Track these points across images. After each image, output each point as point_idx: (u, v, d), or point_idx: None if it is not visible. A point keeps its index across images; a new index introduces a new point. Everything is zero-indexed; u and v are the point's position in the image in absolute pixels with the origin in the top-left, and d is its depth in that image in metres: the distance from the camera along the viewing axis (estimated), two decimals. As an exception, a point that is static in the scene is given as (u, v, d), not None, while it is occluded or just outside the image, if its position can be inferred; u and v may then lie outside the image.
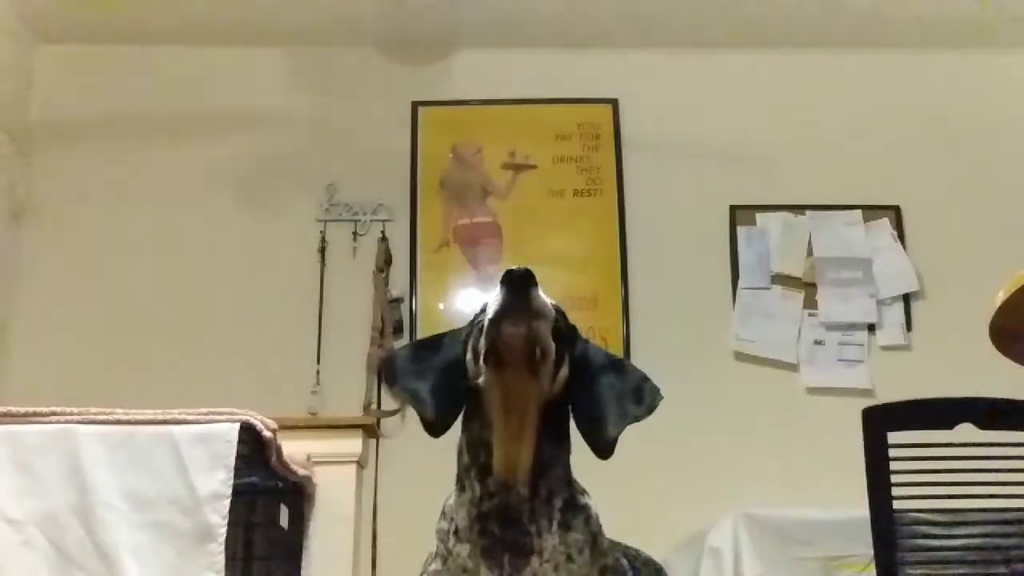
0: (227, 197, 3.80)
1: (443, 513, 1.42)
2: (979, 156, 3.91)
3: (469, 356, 1.39)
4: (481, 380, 1.34)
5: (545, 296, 1.33)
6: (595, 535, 1.39)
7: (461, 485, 1.40)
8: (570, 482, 1.41)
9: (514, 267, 1.30)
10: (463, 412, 1.41)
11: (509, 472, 1.35)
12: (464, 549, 1.36)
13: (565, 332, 1.39)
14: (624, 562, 1.49)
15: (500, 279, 1.30)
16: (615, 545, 1.49)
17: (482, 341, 1.31)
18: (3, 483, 2.15)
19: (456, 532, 1.37)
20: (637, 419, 1.41)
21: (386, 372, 1.48)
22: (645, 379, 1.45)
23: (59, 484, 2.17)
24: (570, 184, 3.85)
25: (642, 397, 1.43)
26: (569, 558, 1.34)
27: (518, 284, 1.29)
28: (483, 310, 1.35)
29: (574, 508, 1.38)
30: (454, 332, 1.49)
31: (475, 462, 1.38)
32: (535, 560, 1.33)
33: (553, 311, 1.35)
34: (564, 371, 1.38)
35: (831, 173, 3.90)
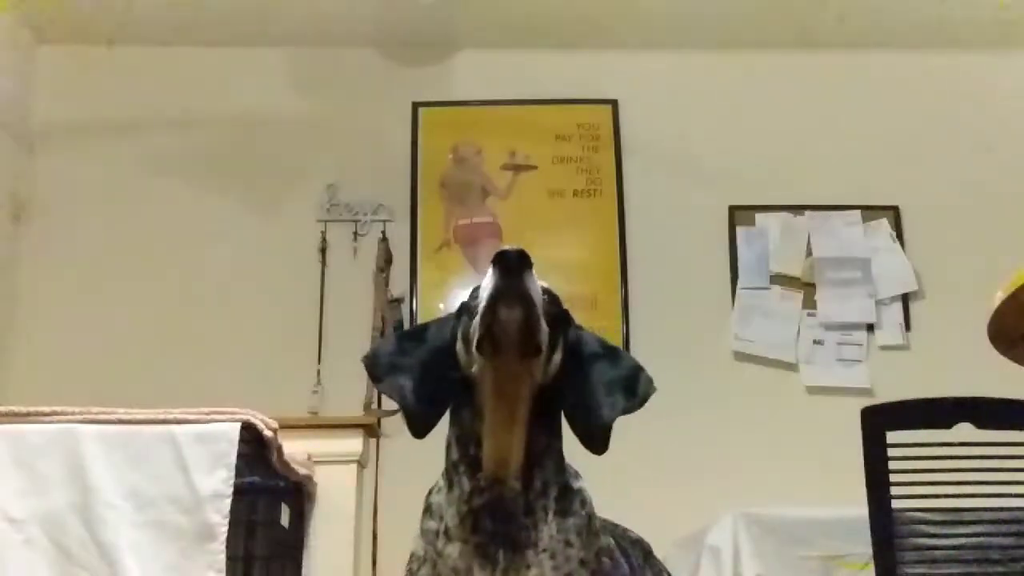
0: (227, 197, 3.80)
1: (428, 511, 1.36)
2: (978, 156, 3.92)
3: (460, 345, 1.33)
4: (474, 369, 1.29)
5: (539, 280, 1.28)
6: (590, 516, 1.36)
7: (449, 481, 1.34)
8: (563, 468, 1.37)
9: (507, 247, 1.24)
10: (452, 405, 1.36)
11: (500, 465, 1.30)
12: (455, 549, 1.30)
13: (559, 317, 1.34)
14: (612, 542, 1.46)
15: (492, 259, 1.24)
16: (603, 524, 1.45)
17: (475, 326, 1.25)
18: (4, 482, 2.16)
19: (446, 532, 1.31)
20: (628, 411, 1.38)
21: (370, 368, 1.39)
22: (639, 368, 1.43)
23: (60, 483, 2.17)
24: (570, 184, 3.86)
25: (635, 387, 1.40)
26: (568, 543, 1.30)
27: (512, 266, 1.22)
28: (474, 295, 1.29)
29: (569, 493, 1.34)
30: (441, 321, 1.43)
31: (465, 456, 1.32)
32: (530, 553, 1.28)
33: (546, 295, 1.30)
34: (557, 357, 1.33)
35: (830, 173, 3.90)
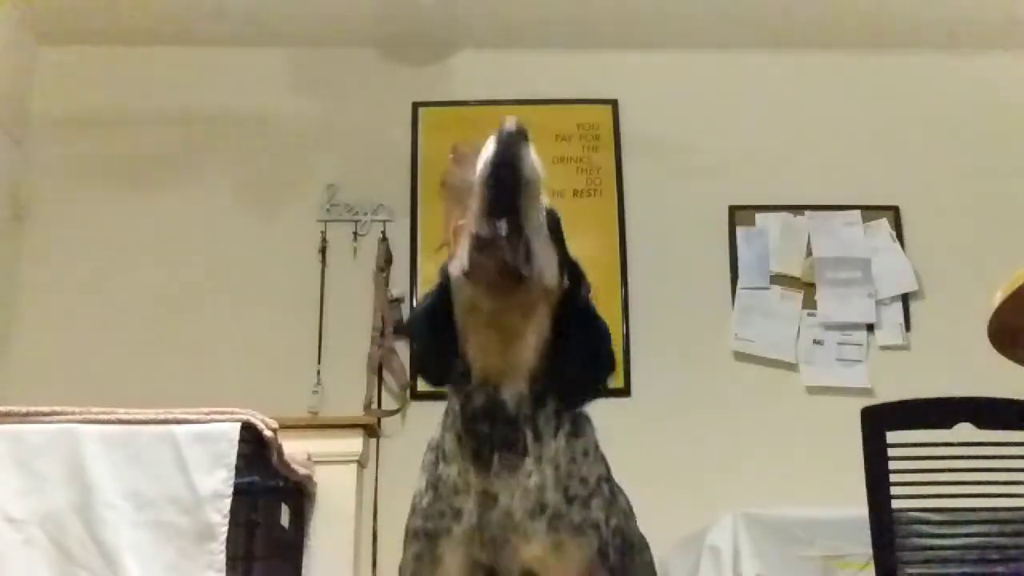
0: (228, 197, 3.80)
1: (428, 448, 1.37)
2: (978, 156, 3.92)
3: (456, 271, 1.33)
4: (464, 268, 1.28)
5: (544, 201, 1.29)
6: (596, 444, 1.36)
7: (447, 410, 1.35)
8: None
9: (507, 124, 1.28)
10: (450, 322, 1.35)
11: (493, 364, 1.29)
12: (452, 469, 1.30)
13: (562, 238, 1.35)
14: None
15: (492, 136, 1.27)
16: None
17: (475, 194, 1.26)
18: (5, 482, 2.16)
19: (444, 455, 1.32)
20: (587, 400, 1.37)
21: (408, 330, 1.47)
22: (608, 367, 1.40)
23: (60, 483, 2.17)
24: (570, 184, 3.86)
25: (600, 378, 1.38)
26: (572, 460, 1.30)
27: (509, 137, 1.27)
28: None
29: (578, 417, 1.35)
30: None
31: (460, 363, 1.33)
32: (529, 460, 1.27)
33: (548, 215, 1.31)
34: (564, 280, 1.34)
35: (830, 173, 3.90)
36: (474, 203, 1.27)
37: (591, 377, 1.37)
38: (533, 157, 1.28)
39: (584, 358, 1.35)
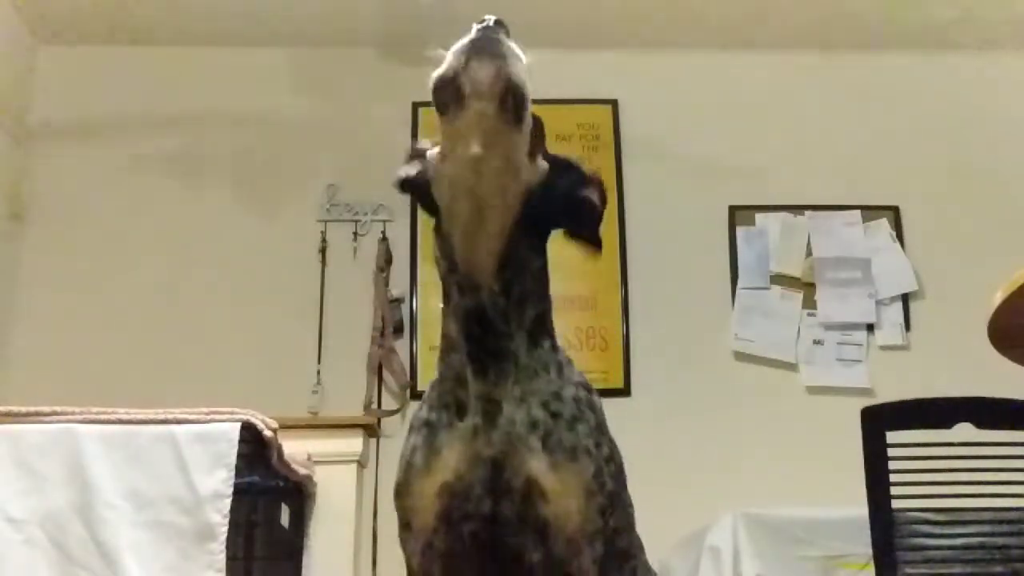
0: (227, 197, 3.80)
1: (443, 335, 1.33)
2: (978, 156, 3.92)
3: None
4: (446, 150, 1.26)
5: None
6: (569, 362, 1.31)
7: (446, 294, 1.30)
8: (546, 293, 1.32)
9: (486, 18, 1.22)
10: (436, 218, 1.31)
11: (471, 263, 1.24)
12: (456, 358, 1.27)
13: (539, 126, 1.30)
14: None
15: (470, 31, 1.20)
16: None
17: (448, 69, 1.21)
18: (5, 482, 2.16)
19: (449, 341, 1.30)
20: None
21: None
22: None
23: (60, 483, 2.17)
24: (570, 184, 3.85)
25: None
26: (535, 372, 1.26)
27: (488, 27, 1.20)
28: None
29: (546, 331, 1.30)
30: None
31: (450, 265, 1.28)
32: (510, 366, 1.24)
33: (525, 67, 1.26)
34: (543, 163, 1.29)
35: (830, 174, 3.90)
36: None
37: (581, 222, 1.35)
38: (517, 49, 1.22)
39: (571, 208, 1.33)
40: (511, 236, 1.25)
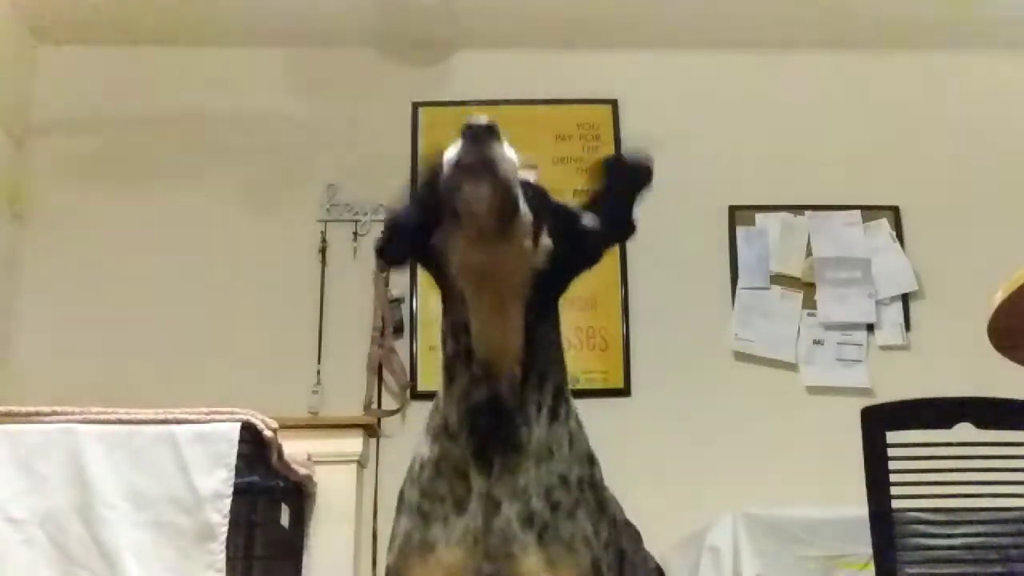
0: (227, 197, 3.80)
1: (435, 409, 1.28)
2: (978, 156, 3.92)
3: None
4: (452, 250, 1.20)
5: (527, 174, 1.20)
6: (579, 425, 1.28)
7: (449, 376, 1.25)
8: (563, 366, 1.29)
9: (474, 118, 1.13)
10: (442, 294, 1.28)
11: (493, 354, 1.21)
12: (454, 448, 1.23)
13: (537, 198, 1.24)
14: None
15: (460, 131, 1.13)
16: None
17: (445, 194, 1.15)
18: (5, 482, 2.16)
19: (446, 428, 1.24)
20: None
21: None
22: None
23: (60, 483, 2.17)
24: (570, 184, 3.83)
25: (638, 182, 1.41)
26: (558, 446, 1.23)
27: (479, 134, 1.12)
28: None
29: (561, 397, 1.26)
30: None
31: (459, 347, 1.24)
32: (522, 456, 1.21)
33: (530, 189, 1.21)
34: (546, 241, 1.23)
35: (830, 173, 3.90)
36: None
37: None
38: (509, 154, 1.15)
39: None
40: (527, 320, 1.23)
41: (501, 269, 1.19)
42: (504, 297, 1.21)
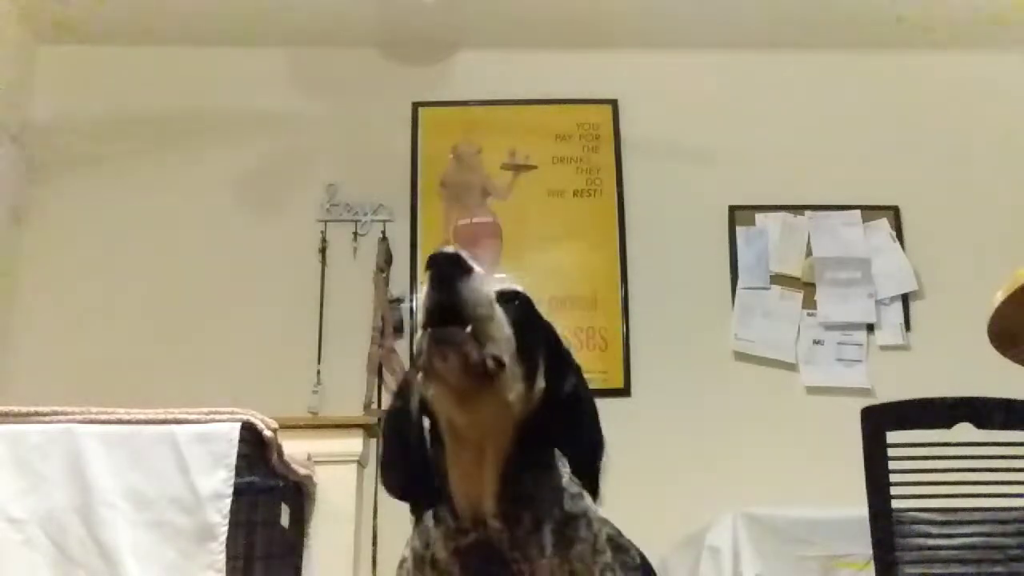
0: (227, 197, 3.80)
1: (419, 531, 1.25)
2: (978, 156, 3.92)
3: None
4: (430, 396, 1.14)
5: (510, 283, 1.15)
6: (595, 536, 1.24)
7: (436, 515, 1.22)
8: (560, 500, 1.22)
9: (438, 250, 1.05)
10: (430, 425, 1.21)
11: (474, 507, 1.17)
12: None
13: (536, 329, 1.18)
14: (611, 556, 1.31)
15: (426, 264, 1.06)
16: (608, 536, 1.32)
17: (416, 347, 1.10)
18: (4, 482, 2.16)
19: (434, 562, 1.21)
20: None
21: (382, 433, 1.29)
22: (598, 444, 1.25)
23: (60, 483, 2.17)
24: (570, 184, 3.86)
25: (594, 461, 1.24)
26: (572, 573, 1.19)
27: (444, 273, 1.04)
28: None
29: (571, 521, 1.22)
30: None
31: (446, 491, 1.19)
32: None
33: (516, 299, 1.14)
34: (540, 382, 1.17)
35: (830, 173, 3.90)
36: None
37: (581, 466, 1.23)
38: (479, 285, 1.06)
39: (571, 449, 1.23)
40: (509, 468, 1.17)
41: (482, 426, 1.14)
42: (485, 451, 1.16)
